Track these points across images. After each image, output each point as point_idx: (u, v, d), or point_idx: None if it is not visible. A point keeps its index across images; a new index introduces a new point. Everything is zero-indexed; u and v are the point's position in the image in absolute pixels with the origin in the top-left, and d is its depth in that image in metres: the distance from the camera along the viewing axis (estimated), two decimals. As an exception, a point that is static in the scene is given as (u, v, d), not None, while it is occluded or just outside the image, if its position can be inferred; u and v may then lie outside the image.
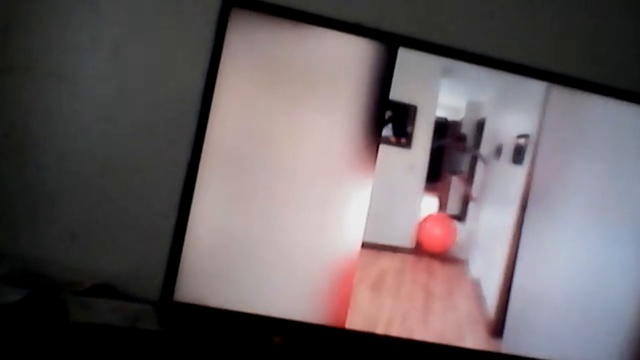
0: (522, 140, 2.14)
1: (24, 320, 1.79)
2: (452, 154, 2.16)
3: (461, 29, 2.14)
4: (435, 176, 2.17)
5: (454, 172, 2.18)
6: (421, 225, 2.16)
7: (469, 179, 2.19)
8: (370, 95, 2.05)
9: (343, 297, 2.08)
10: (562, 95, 2.16)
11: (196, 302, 1.99)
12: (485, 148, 2.17)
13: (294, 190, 2.03)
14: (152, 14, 1.97)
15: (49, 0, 1.95)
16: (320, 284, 2.06)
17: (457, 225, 2.20)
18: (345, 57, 2.04)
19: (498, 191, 2.19)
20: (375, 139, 2.07)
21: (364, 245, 2.09)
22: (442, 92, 2.12)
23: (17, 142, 1.95)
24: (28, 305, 1.84)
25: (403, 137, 2.10)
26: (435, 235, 2.19)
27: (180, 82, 1.98)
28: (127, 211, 2.03)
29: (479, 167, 2.18)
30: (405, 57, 2.07)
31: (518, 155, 2.14)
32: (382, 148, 2.08)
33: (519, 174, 2.15)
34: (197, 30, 1.97)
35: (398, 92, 2.07)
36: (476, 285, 2.18)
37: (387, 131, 2.08)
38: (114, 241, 2.04)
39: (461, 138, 2.15)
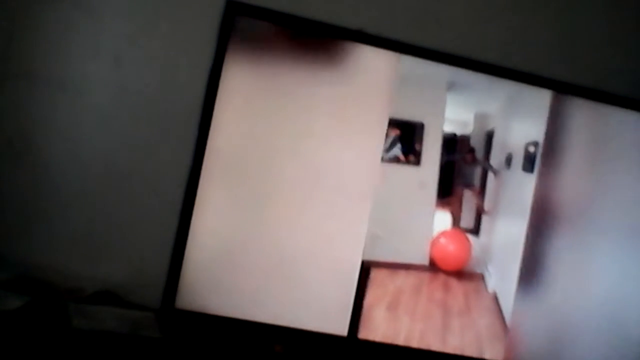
0: (531, 148, 2.12)
1: (25, 327, 1.79)
2: (462, 168, 2.15)
3: (466, 37, 2.13)
4: (447, 191, 2.15)
5: (466, 186, 2.16)
6: (434, 242, 2.13)
7: (481, 192, 2.16)
8: (375, 107, 2.05)
9: (346, 306, 2.05)
10: (570, 102, 2.14)
11: (197, 309, 2.00)
12: (496, 158, 2.15)
13: (296, 200, 2.03)
14: (153, 23, 2.00)
15: (51, 9, 1.98)
16: (322, 292, 2.03)
17: (472, 239, 2.17)
18: (350, 67, 2.04)
19: (511, 202, 2.17)
20: (379, 154, 2.06)
21: (378, 264, 2.07)
22: (449, 106, 2.12)
23: (20, 150, 1.98)
24: (29, 312, 1.84)
25: (412, 154, 2.09)
26: (449, 253, 2.16)
27: (181, 90, 1.99)
28: (128, 218, 2.04)
29: (490, 179, 2.15)
30: (409, 74, 2.07)
31: (528, 163, 2.12)
32: (392, 167, 2.08)
33: (531, 182, 2.13)
34: (199, 38, 1.99)
35: (404, 111, 2.07)
36: (494, 300, 2.13)
37: (396, 150, 2.07)
38: (115, 248, 2.04)
39: (470, 151, 2.14)
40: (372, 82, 2.05)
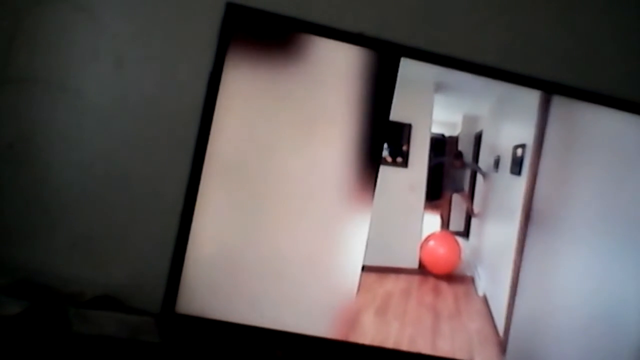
0: (519, 151, 2.11)
1: (25, 332, 1.78)
2: (451, 172, 2.16)
3: (460, 39, 2.16)
4: (436, 194, 2.15)
5: (455, 190, 2.17)
6: (423, 245, 2.14)
7: (470, 195, 2.18)
8: (372, 111, 2.04)
9: (345, 312, 2.06)
10: (558, 105, 2.11)
11: (198, 314, 1.99)
12: (484, 161, 2.14)
13: (296, 204, 2.02)
14: (154, 26, 2.00)
15: (52, 13, 1.99)
16: (323, 297, 2.04)
17: (462, 241, 2.18)
18: (348, 70, 2.03)
19: (499, 204, 2.16)
20: (375, 156, 2.06)
21: (367, 269, 2.06)
22: (437, 108, 2.10)
23: (21, 153, 1.98)
24: (29, 317, 1.83)
25: (399, 156, 2.09)
26: (439, 256, 2.16)
27: (182, 92, 2.00)
28: (128, 222, 2.04)
29: (479, 181, 2.17)
30: (398, 76, 2.06)
31: (516, 166, 2.12)
32: (380, 169, 2.06)
33: (518, 185, 2.10)
34: (199, 40, 2.00)
35: (392, 112, 2.06)
36: (484, 303, 2.14)
37: (382, 151, 2.08)
38: (115, 253, 2.04)
39: (458, 155, 2.16)
40: (372, 85, 2.05)
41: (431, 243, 2.14)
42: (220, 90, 1.96)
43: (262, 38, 1.99)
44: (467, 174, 2.16)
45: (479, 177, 2.15)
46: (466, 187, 2.17)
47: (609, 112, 2.13)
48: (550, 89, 2.11)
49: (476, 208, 2.16)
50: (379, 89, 2.04)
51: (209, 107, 1.96)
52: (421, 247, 2.13)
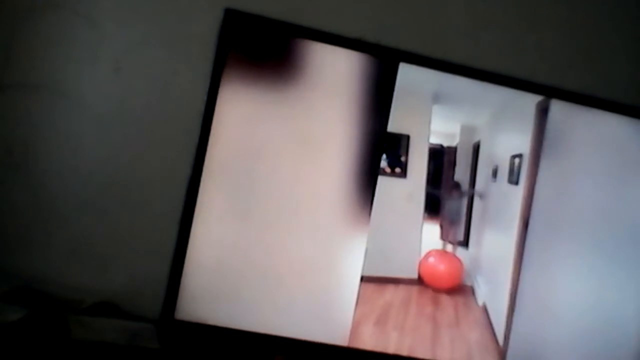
0: (516, 160, 2.13)
1: (25, 339, 1.78)
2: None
3: (460, 44, 2.18)
4: (435, 205, 2.16)
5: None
6: (422, 261, 2.15)
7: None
8: (370, 120, 2.06)
9: (347, 317, 2.05)
10: (554, 114, 2.13)
11: (197, 320, 1.99)
12: (482, 171, 2.15)
13: (294, 212, 2.03)
14: (152, 31, 2.02)
15: (51, 17, 1.98)
16: (323, 303, 2.04)
17: (461, 251, 2.17)
18: (347, 76, 2.05)
19: (498, 214, 2.16)
20: (374, 166, 2.07)
21: (367, 279, 2.06)
22: (435, 119, 2.12)
23: (19, 159, 1.98)
24: (29, 324, 1.83)
25: (398, 167, 2.11)
26: (440, 275, 2.16)
27: (181, 99, 2.01)
28: (127, 229, 2.04)
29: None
30: (395, 88, 2.08)
31: (513, 175, 2.13)
32: (378, 179, 2.08)
33: (516, 194, 2.12)
34: (199, 47, 2.02)
35: (390, 123, 2.08)
36: (484, 312, 2.14)
37: (381, 162, 2.09)
38: (115, 259, 2.03)
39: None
40: (370, 90, 2.06)
41: (430, 260, 2.14)
42: (220, 96, 1.98)
43: (261, 44, 2.01)
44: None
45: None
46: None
47: (607, 118, 2.15)
48: (550, 93, 2.13)
49: (475, 219, 2.17)
50: (378, 97, 2.06)
51: (209, 114, 1.98)
52: (420, 264, 2.12)
